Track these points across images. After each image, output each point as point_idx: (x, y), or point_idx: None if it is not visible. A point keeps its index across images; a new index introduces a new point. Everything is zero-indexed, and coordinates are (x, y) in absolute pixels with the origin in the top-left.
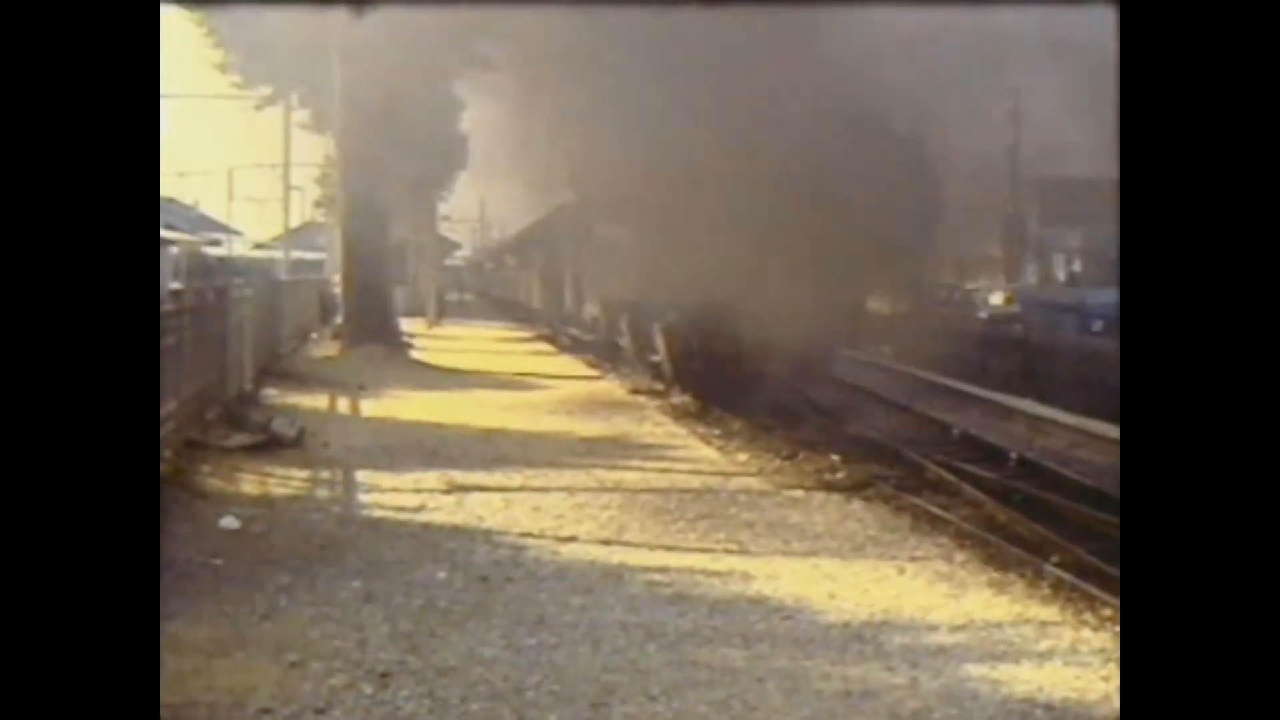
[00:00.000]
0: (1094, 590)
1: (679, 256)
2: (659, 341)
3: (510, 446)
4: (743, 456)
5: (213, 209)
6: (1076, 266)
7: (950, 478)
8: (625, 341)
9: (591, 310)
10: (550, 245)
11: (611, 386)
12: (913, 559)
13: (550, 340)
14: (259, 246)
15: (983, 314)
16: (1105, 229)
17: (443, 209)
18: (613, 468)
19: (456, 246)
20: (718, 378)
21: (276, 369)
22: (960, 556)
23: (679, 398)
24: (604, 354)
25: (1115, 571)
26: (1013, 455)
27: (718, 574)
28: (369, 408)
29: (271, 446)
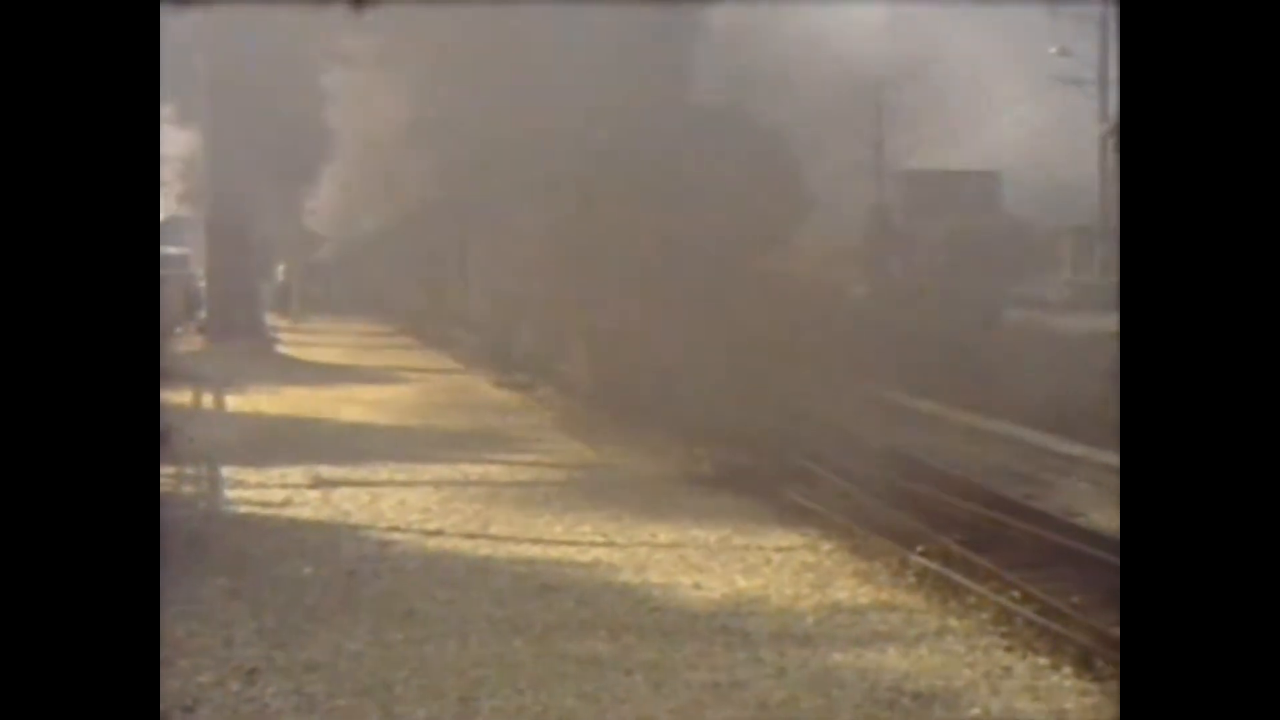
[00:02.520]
0: (959, 578)
1: (569, 256)
2: (578, 348)
3: (376, 441)
4: (610, 449)
5: None
6: (941, 258)
7: (816, 468)
8: (524, 343)
9: (481, 307)
10: (429, 238)
11: (476, 380)
12: (779, 549)
13: (416, 335)
14: None
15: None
16: (969, 220)
17: (308, 203)
18: (479, 461)
19: (323, 240)
20: (648, 394)
21: None
22: (826, 546)
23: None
24: (481, 352)
25: (979, 559)
26: (877, 445)
27: (585, 566)
28: (234, 403)
29: None
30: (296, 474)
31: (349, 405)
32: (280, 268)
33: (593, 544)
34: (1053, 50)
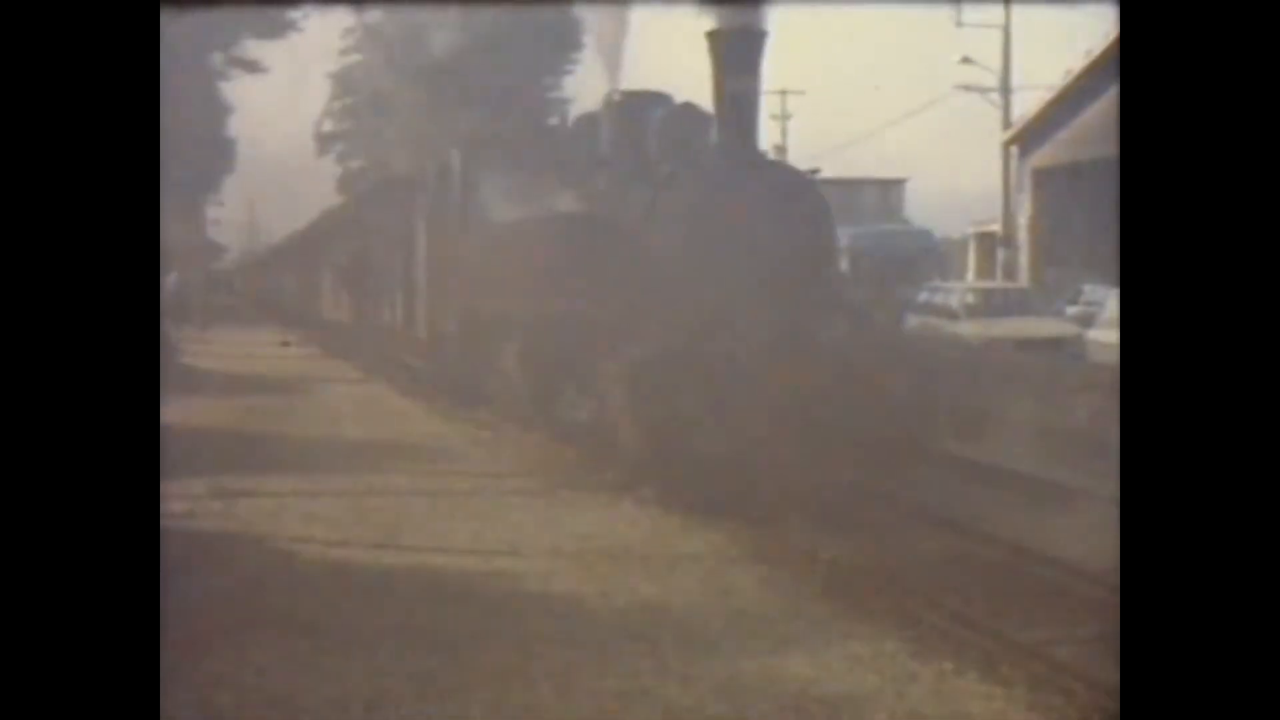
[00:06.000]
0: (866, 583)
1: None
2: (611, 391)
3: (280, 451)
4: (514, 458)
5: None
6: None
7: (721, 475)
8: (511, 379)
9: (439, 326)
10: (361, 238)
11: (381, 390)
12: (684, 557)
13: (322, 345)
14: None
15: None
16: (866, 229)
17: (211, 213)
18: (384, 470)
19: (224, 250)
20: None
21: None
22: (732, 552)
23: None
24: (432, 379)
25: (888, 563)
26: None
27: (491, 576)
28: None
29: None
30: (199, 485)
31: (252, 415)
32: (172, 276)
33: (498, 553)
34: (956, 59)
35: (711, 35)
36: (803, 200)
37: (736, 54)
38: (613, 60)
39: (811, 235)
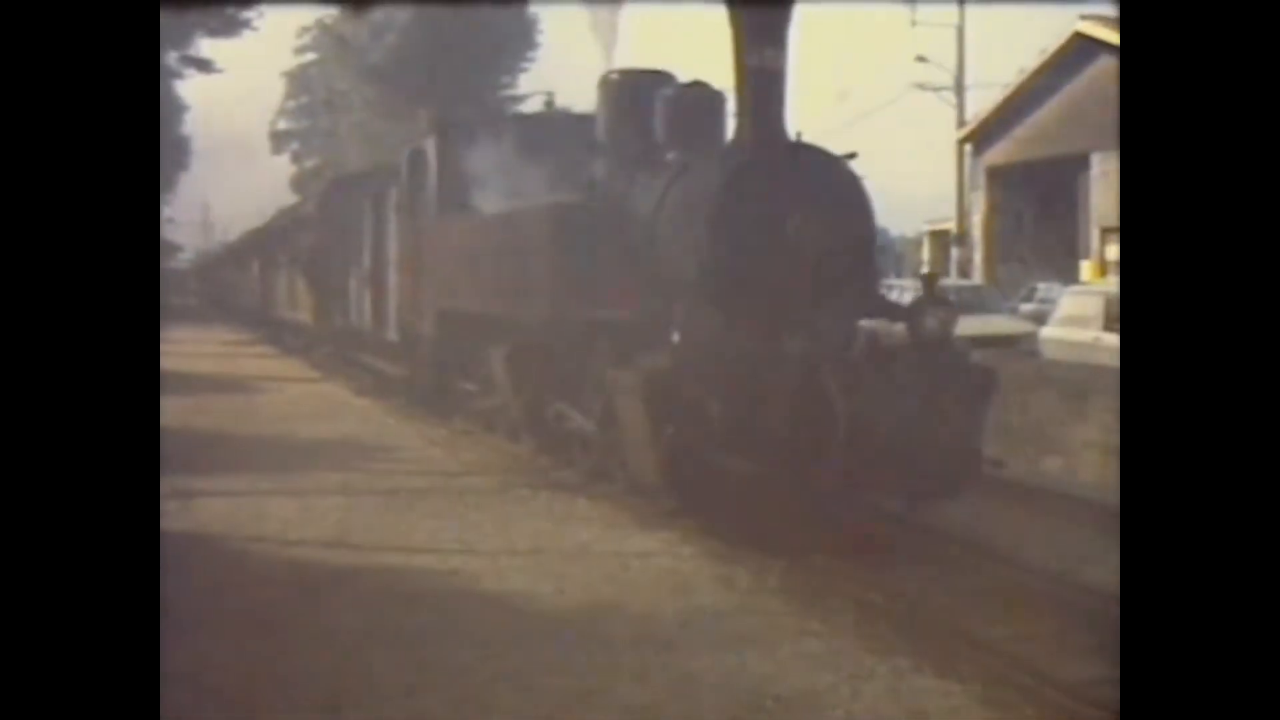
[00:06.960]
0: (818, 580)
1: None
2: (618, 403)
3: (234, 450)
4: (469, 457)
5: None
6: None
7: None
8: (500, 391)
9: (414, 327)
10: (325, 234)
11: (335, 389)
12: (639, 555)
13: (279, 345)
14: None
15: None
16: None
17: (165, 212)
18: (338, 469)
19: (179, 249)
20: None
21: None
22: (686, 551)
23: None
24: (400, 386)
25: (841, 563)
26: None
27: (446, 574)
28: None
29: None
30: None
31: (206, 415)
32: None
33: (454, 552)
34: (911, 57)
35: (732, 3)
36: (841, 189)
37: (761, 23)
38: (608, 38)
39: (851, 229)
